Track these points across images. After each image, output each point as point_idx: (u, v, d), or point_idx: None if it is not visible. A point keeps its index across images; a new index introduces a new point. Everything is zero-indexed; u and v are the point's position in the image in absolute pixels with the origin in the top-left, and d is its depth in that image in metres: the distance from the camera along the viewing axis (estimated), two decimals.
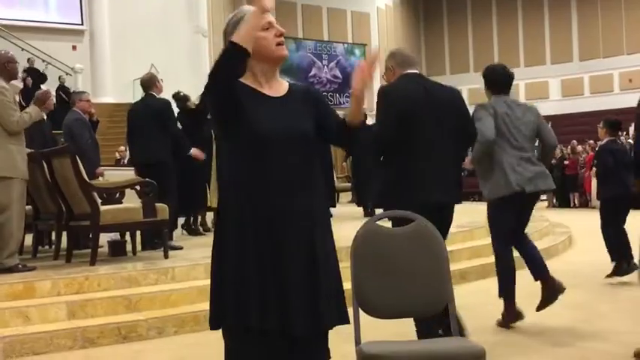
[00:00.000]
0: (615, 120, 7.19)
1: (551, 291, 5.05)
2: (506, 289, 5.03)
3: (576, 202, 19.22)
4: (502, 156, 4.98)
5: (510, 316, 5.05)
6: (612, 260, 6.93)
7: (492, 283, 5.30)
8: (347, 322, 2.47)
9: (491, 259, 5.36)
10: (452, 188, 4.19)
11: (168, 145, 7.38)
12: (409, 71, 4.35)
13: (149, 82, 7.61)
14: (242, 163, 2.38)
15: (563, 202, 19.36)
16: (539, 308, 5.08)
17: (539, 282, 5.11)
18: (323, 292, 2.36)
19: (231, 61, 2.28)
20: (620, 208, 6.92)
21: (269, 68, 2.47)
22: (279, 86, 2.51)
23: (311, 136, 2.44)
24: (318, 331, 2.39)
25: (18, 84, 14.26)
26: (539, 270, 5.12)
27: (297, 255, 2.34)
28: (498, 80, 5.24)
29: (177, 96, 9.08)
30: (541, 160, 5.21)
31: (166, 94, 8.12)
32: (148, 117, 7.33)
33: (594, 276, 7.04)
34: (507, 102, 5.14)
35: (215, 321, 2.40)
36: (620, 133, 7.39)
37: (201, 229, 9.14)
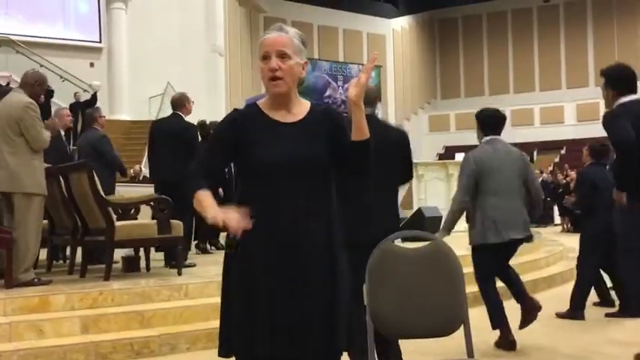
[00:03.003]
0: (601, 146, 6.70)
1: (530, 311, 5.19)
2: (498, 321, 5.14)
3: None
4: (485, 204, 5.10)
5: (505, 343, 5.12)
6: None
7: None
8: (354, 345, 2.43)
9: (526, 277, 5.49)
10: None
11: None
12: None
13: (179, 102, 7.51)
14: (251, 190, 2.38)
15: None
16: (521, 327, 5.22)
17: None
18: (334, 317, 2.33)
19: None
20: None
21: (274, 100, 2.44)
22: (298, 109, 2.47)
23: (323, 160, 2.40)
24: (330, 357, 2.36)
25: None
26: (519, 292, 5.28)
27: (307, 279, 2.32)
28: (488, 122, 5.32)
29: (200, 123, 9.21)
30: (530, 212, 5.29)
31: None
32: (172, 137, 7.25)
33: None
34: (496, 147, 5.22)
35: (224, 349, 2.39)
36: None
37: (209, 247, 9.19)
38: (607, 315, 6.44)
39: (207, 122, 9.26)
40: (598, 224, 6.27)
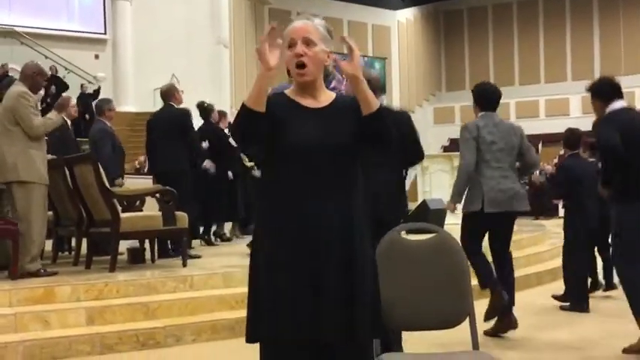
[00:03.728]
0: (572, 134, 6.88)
1: (505, 324, 5.17)
2: (487, 278, 5.14)
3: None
4: (482, 175, 5.15)
5: (498, 307, 5.10)
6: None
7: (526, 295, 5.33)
8: (381, 335, 2.43)
9: (516, 273, 5.48)
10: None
11: (186, 155, 7.43)
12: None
13: (168, 93, 7.69)
14: (276, 173, 2.38)
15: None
16: (488, 333, 5.17)
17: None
18: (357, 302, 2.32)
19: (245, 122, 2.32)
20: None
21: (300, 87, 2.46)
22: (324, 97, 2.49)
23: (349, 146, 2.40)
24: (351, 340, 2.34)
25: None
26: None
27: (331, 264, 2.32)
28: (488, 98, 5.35)
29: (201, 106, 9.15)
30: (521, 173, 5.39)
31: (187, 104, 8.17)
32: (166, 126, 7.40)
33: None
34: (493, 120, 5.28)
35: (252, 334, 2.40)
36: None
37: (214, 239, 9.21)
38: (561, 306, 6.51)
39: (205, 104, 9.23)
40: (585, 216, 6.43)
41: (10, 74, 14.09)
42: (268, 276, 2.33)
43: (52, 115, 6.01)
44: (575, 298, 6.41)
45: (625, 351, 4.65)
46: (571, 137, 6.81)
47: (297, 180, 2.34)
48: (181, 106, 7.71)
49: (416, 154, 4.51)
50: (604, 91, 4.88)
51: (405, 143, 4.30)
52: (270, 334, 2.31)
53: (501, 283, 5.17)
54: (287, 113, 2.40)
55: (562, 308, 6.43)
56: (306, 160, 2.34)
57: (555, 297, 6.65)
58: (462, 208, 5.33)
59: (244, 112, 2.31)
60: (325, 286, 2.29)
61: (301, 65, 2.39)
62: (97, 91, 16.39)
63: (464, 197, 5.30)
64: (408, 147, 4.32)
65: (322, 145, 2.36)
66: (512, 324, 5.20)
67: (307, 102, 2.45)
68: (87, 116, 14.88)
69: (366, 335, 2.38)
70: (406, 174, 4.70)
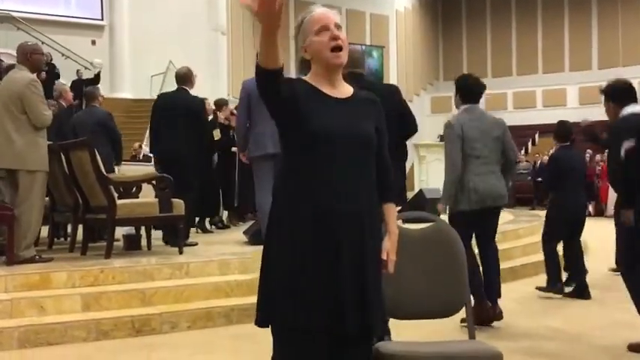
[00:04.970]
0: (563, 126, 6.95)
1: (489, 314, 5.16)
2: (474, 285, 5.08)
3: (591, 211, 19.12)
4: (467, 171, 5.14)
5: (484, 314, 5.11)
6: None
7: (510, 287, 5.32)
8: (387, 333, 2.41)
9: (513, 262, 5.44)
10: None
11: (196, 142, 7.34)
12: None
13: (185, 77, 7.47)
14: (299, 161, 2.34)
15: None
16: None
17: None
18: (371, 294, 2.31)
19: (262, 81, 2.26)
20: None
21: (328, 73, 2.41)
22: (343, 88, 2.47)
23: (372, 138, 2.40)
24: (366, 331, 2.33)
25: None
26: (489, 284, 5.22)
27: (348, 256, 2.29)
28: (471, 90, 5.32)
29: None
30: (503, 174, 5.32)
31: None
32: (181, 111, 7.20)
33: (610, 282, 7.01)
34: (477, 114, 5.26)
35: (264, 319, 2.36)
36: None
37: (209, 226, 9.25)
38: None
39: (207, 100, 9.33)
40: (565, 207, 6.54)
41: (1, 59, 13.98)
42: (287, 265, 2.29)
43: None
44: (551, 279, 6.52)
45: (630, 347, 4.58)
46: (561, 129, 6.87)
47: (320, 168, 2.31)
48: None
49: (407, 127, 4.45)
50: (620, 91, 4.81)
51: (405, 117, 4.29)
52: (288, 321, 2.27)
53: (486, 278, 5.19)
54: (311, 99, 2.36)
55: (538, 288, 6.50)
56: (329, 147, 2.31)
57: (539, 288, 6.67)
58: (447, 208, 5.32)
59: (259, 72, 2.24)
60: (345, 278, 2.27)
61: (339, 48, 2.37)
62: (97, 76, 16.24)
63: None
64: (404, 121, 4.30)
65: (347, 133, 2.33)
66: (497, 315, 5.19)
67: (330, 91, 2.42)
68: (79, 102, 14.83)
69: (377, 331, 2.38)
70: (404, 155, 4.66)
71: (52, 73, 16.71)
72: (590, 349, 4.70)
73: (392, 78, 27.74)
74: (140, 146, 14.61)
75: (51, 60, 17.44)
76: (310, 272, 2.26)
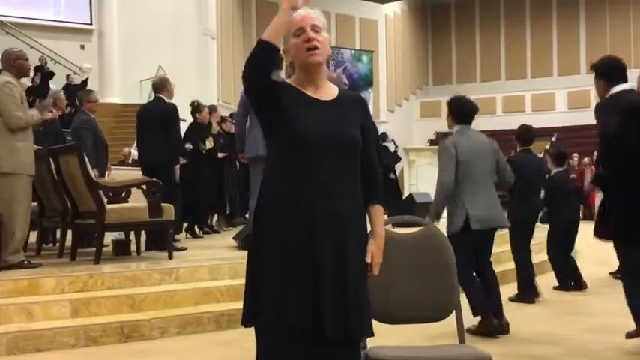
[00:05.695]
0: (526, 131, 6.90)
1: (495, 327, 5.14)
2: (477, 306, 5.13)
3: (580, 215, 19.15)
4: (463, 192, 5.14)
5: (490, 328, 5.13)
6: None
7: (500, 290, 5.35)
8: (372, 334, 2.42)
9: (503, 267, 5.46)
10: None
11: (173, 149, 7.46)
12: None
13: (160, 85, 7.63)
14: (282, 163, 2.35)
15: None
16: (470, 330, 5.10)
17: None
18: (353, 299, 2.31)
19: (259, 55, 2.29)
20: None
21: (308, 74, 2.43)
22: (327, 89, 2.47)
23: (356, 140, 2.40)
24: (348, 335, 2.32)
25: (26, 82, 14.27)
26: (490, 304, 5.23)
27: (329, 256, 2.30)
28: (464, 112, 5.34)
29: (192, 105, 9.45)
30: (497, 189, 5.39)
31: (175, 96, 8.13)
32: (153, 119, 7.38)
33: (601, 285, 7.04)
34: (470, 136, 5.27)
35: (249, 318, 2.36)
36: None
37: (198, 231, 9.23)
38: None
39: (195, 103, 9.44)
40: (527, 209, 6.62)
41: None
42: (270, 264, 2.30)
43: (34, 112, 5.96)
44: (521, 289, 6.61)
45: (628, 335, 4.59)
46: (523, 133, 6.87)
47: (303, 170, 2.32)
48: (171, 101, 7.66)
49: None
50: (611, 68, 4.68)
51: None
52: (271, 320, 2.28)
53: (486, 296, 5.20)
54: (294, 101, 2.37)
55: (510, 299, 6.46)
56: (313, 150, 2.32)
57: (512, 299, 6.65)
58: (446, 231, 5.31)
59: (261, 44, 2.28)
60: (329, 279, 2.28)
61: (314, 47, 2.38)
62: (84, 82, 16.24)
63: (445, 219, 5.28)
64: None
65: (330, 135, 2.34)
66: (503, 328, 5.19)
67: (313, 93, 2.43)
68: (70, 108, 14.79)
69: (361, 333, 2.38)
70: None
71: (46, 75, 16.69)
72: (581, 352, 4.71)
73: (381, 82, 27.79)
74: (130, 152, 14.56)
75: (46, 63, 17.42)
76: (291, 272, 2.27)
